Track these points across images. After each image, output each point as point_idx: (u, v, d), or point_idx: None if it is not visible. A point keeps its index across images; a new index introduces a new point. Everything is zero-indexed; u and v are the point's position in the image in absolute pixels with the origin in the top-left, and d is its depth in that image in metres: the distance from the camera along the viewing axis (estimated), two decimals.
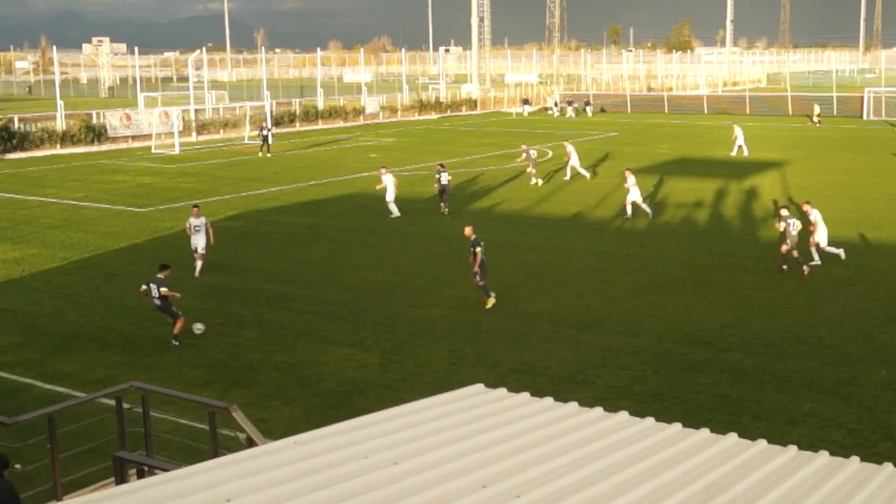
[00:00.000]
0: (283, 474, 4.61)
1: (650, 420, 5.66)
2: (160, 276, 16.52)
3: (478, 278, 18.59)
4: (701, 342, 16.37)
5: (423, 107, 73.35)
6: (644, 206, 28.23)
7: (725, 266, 22.01)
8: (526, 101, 77.15)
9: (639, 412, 6.03)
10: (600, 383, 14.41)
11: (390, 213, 28.43)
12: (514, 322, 17.64)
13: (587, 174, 36.82)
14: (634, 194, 27.83)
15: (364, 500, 4.32)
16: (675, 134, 57.40)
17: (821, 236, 21.49)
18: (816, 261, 21.46)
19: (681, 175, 37.81)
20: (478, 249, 18.49)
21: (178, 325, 16.39)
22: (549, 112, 74.30)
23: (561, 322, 17.63)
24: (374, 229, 26.92)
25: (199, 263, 21.18)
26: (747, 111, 72.09)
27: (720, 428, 5.82)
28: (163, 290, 16.31)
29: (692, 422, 5.99)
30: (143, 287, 16.64)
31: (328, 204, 31.27)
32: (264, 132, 46.05)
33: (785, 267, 21.13)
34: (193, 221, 21.23)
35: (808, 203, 22.34)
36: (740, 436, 5.53)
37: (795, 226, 20.82)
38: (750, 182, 35.76)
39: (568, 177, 36.56)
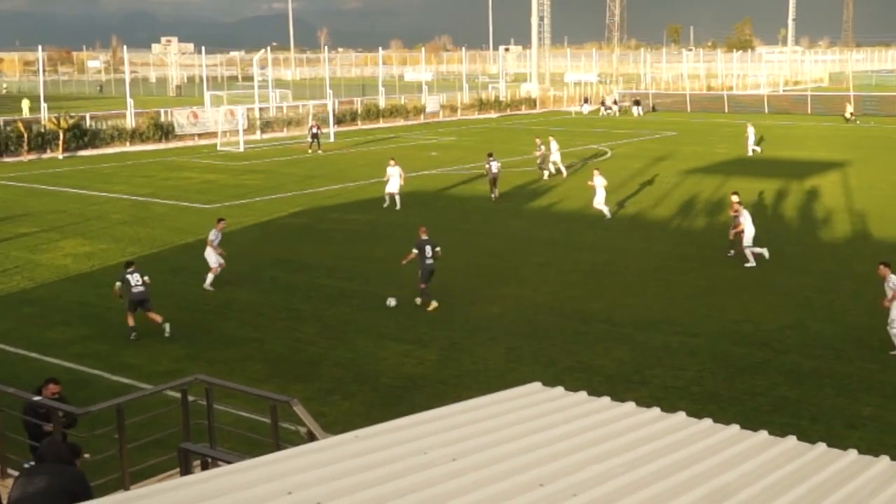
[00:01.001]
0: (344, 468, 4.68)
1: (708, 421, 5.63)
2: (130, 269, 16.87)
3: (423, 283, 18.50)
4: (759, 343, 16.15)
5: (482, 105, 73.35)
6: (604, 208, 27.67)
7: (784, 267, 21.65)
8: (586, 100, 76.66)
9: (696, 413, 6.00)
10: (657, 383, 14.32)
11: (384, 201, 29.64)
12: (570, 321, 17.59)
13: (564, 172, 36.72)
14: (599, 196, 27.47)
15: (423, 496, 4.38)
16: (735, 134, 56.38)
17: (747, 236, 21.61)
18: (751, 262, 21.56)
19: (740, 175, 37.23)
20: (437, 250, 18.59)
21: (157, 316, 16.84)
22: (604, 112, 73.71)
23: (618, 321, 17.53)
24: (433, 227, 26.94)
25: (211, 276, 20.28)
26: (808, 111, 70.60)
27: (778, 430, 5.76)
28: (146, 278, 16.81)
29: (750, 424, 5.93)
30: (118, 284, 16.83)
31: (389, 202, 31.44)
32: (314, 130, 47.39)
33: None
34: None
35: (736, 196, 22.70)
36: (799, 439, 5.47)
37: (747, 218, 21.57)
38: (810, 182, 35.06)
39: (547, 175, 36.34)
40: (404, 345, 16.35)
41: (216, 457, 8.20)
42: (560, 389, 6.17)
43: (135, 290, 16.63)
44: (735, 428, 5.56)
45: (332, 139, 52.06)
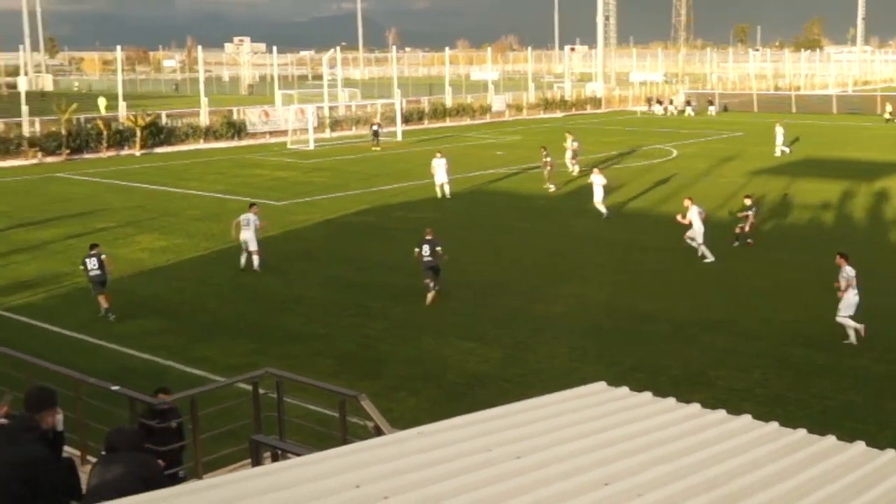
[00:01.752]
0: (410, 463, 4.75)
1: (774, 424, 5.58)
2: (95, 251, 18.24)
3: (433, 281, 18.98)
4: (823, 346, 15.85)
5: (548, 105, 73.09)
6: (602, 207, 27.86)
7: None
8: (659, 101, 75.80)
9: (761, 416, 5.95)
10: (722, 385, 14.16)
11: (440, 195, 31.33)
12: (634, 321, 17.49)
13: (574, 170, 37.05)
14: (598, 195, 27.77)
15: (487, 493, 4.42)
16: (803, 134, 55.18)
17: (696, 232, 22.35)
18: (710, 258, 22.22)
19: (807, 176, 36.51)
20: (438, 250, 19.14)
21: (107, 298, 18.10)
22: (662, 112, 72.81)
23: (682, 322, 17.37)
24: (497, 226, 27.10)
25: (255, 259, 21.42)
26: (878, 111, 68.65)
27: (846, 435, 5.67)
28: (104, 256, 18.25)
29: (816, 427, 5.85)
30: (82, 267, 18.29)
31: (454, 200, 31.61)
32: (374, 128, 48.69)
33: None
34: (246, 216, 21.55)
35: (689, 199, 23.27)
36: (867, 444, 5.39)
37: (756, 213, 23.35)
38: (880, 184, 34.18)
39: (577, 171, 36.70)
40: (469, 343, 16.44)
41: (286, 449, 8.38)
42: (625, 389, 6.18)
43: (90, 273, 17.97)
44: (802, 432, 5.51)
45: (399, 138, 52.44)
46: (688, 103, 73.57)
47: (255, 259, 21.55)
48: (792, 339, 16.37)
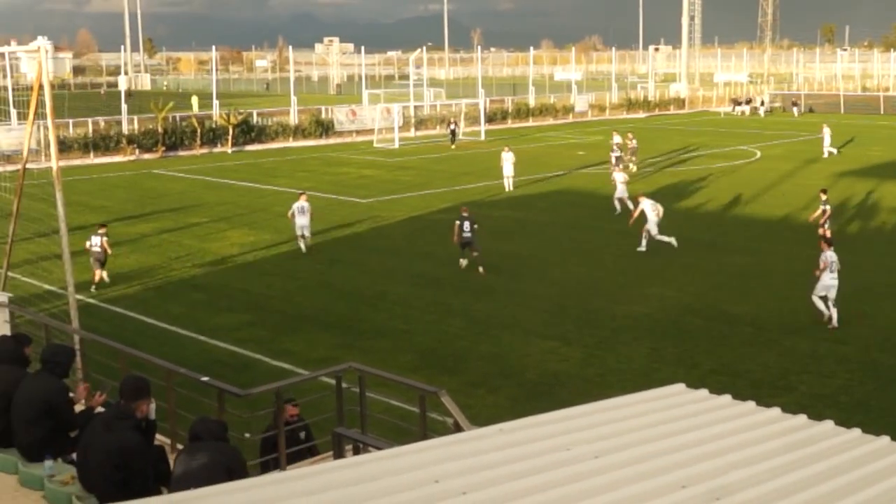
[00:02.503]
0: (489, 460, 4.78)
1: (857, 431, 5.44)
2: (101, 231, 20.31)
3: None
4: None
5: (630, 105, 72.23)
6: (617, 203, 28.30)
7: None
8: (749, 101, 74.09)
9: (843, 422, 5.81)
10: (803, 390, 13.82)
11: (506, 188, 32.69)
12: (715, 323, 17.19)
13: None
14: (621, 191, 28.34)
15: (565, 491, 4.43)
16: (891, 136, 53.20)
17: (651, 225, 23.03)
18: (642, 247, 22.92)
19: (894, 179, 35.11)
20: (475, 227, 21.29)
21: (100, 275, 20.19)
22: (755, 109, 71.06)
23: (764, 325, 16.99)
24: (581, 226, 26.93)
25: (302, 243, 23.60)
26: None
27: None
28: (105, 239, 20.19)
29: None
30: (88, 243, 20.10)
31: (536, 199, 31.54)
32: (452, 127, 49.64)
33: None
34: (301, 204, 23.48)
35: (642, 195, 23.91)
36: None
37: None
38: None
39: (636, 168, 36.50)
40: (549, 341, 16.41)
41: (367, 442, 8.51)
42: (704, 392, 6.11)
43: (93, 249, 19.99)
44: (885, 440, 5.37)
45: (482, 137, 52.52)
46: (761, 103, 71.79)
47: (308, 239, 23.66)
48: (879, 344, 15.87)
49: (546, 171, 38.33)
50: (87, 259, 21.33)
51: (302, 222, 23.29)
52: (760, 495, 4.47)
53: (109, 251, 20.53)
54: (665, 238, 23.02)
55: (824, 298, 17.04)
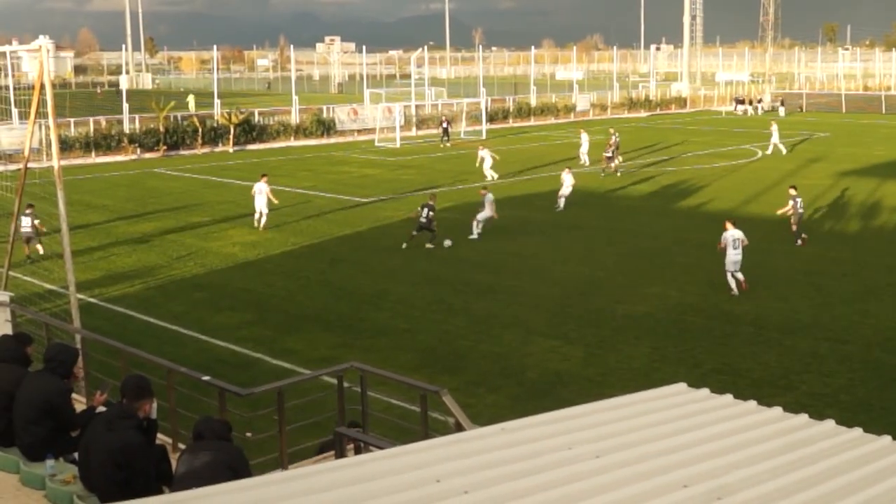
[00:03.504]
0: (490, 459, 4.79)
1: (858, 430, 5.45)
2: (28, 211, 21.20)
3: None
4: None
5: (632, 104, 72.26)
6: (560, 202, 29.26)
7: None
8: (750, 101, 74.11)
9: (845, 421, 5.81)
10: (804, 389, 13.82)
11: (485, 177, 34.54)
12: (716, 322, 17.19)
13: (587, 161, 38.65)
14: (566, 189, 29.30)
15: (567, 491, 4.44)
16: (893, 135, 53.19)
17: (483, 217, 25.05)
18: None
19: None
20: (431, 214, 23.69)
21: (33, 249, 22.07)
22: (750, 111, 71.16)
23: (765, 325, 16.99)
24: (582, 225, 26.93)
25: (264, 220, 26.34)
26: None
27: None
28: (36, 221, 21.74)
29: None
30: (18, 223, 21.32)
31: (538, 198, 31.53)
32: (444, 125, 49.80)
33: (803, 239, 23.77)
34: (258, 186, 26.53)
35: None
36: None
37: (800, 204, 24.17)
38: None
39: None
40: (551, 340, 16.41)
41: (368, 441, 8.51)
42: (705, 391, 6.11)
43: (23, 228, 20.66)
44: (887, 439, 5.37)
45: (484, 136, 52.52)
46: (781, 102, 71.79)
47: (264, 220, 26.42)
48: (881, 344, 15.86)
49: (548, 170, 38.32)
50: (88, 258, 21.36)
51: (257, 203, 26.40)
52: (761, 495, 4.47)
53: (43, 228, 21.71)
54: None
55: (733, 273, 19.16)
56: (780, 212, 24.78)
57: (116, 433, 7.10)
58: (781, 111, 69.73)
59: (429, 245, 23.62)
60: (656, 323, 17.34)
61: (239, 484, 4.76)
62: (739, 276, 19.11)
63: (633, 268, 21.68)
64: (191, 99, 62.75)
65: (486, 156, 36.52)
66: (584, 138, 40.44)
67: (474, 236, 24.94)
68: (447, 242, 23.62)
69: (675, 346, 16.02)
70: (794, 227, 24.15)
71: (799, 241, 23.89)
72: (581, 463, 4.79)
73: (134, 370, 9.79)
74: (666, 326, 17.11)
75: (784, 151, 43.83)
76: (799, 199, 24.41)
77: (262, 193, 26.39)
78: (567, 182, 29.56)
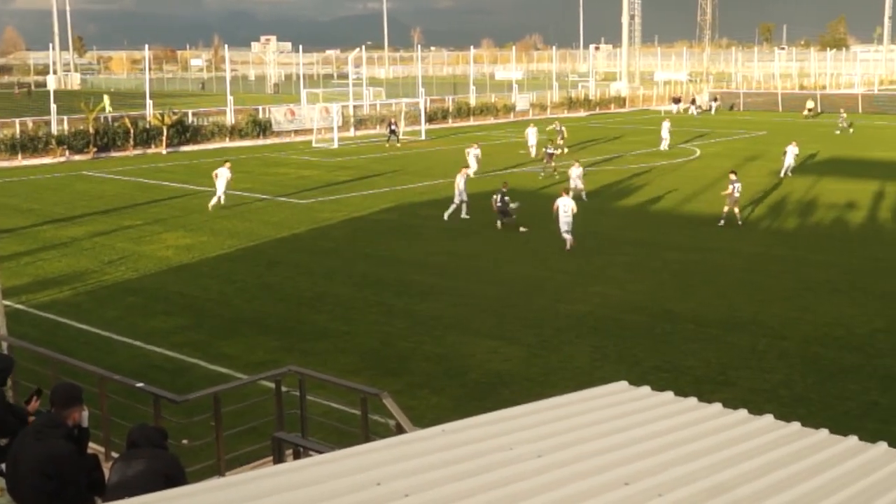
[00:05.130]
0: (432, 461, 4.75)
1: (796, 425, 5.54)
2: None
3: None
4: (850, 347, 15.70)
5: (571, 104, 73.04)
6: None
7: (878, 270, 21.03)
8: (677, 100, 75.54)
9: (784, 416, 5.91)
10: (744, 385, 14.07)
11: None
12: (657, 321, 17.40)
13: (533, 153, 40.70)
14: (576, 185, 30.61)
15: (509, 491, 4.42)
16: (829, 133, 54.74)
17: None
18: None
19: (833, 176, 36.30)
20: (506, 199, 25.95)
21: None
22: (694, 111, 72.79)
23: (705, 322, 17.27)
24: (522, 224, 27.04)
25: (221, 200, 29.47)
26: None
27: (869, 436, 5.62)
28: None
29: (839, 429, 5.80)
30: None
31: (479, 198, 31.51)
32: (392, 127, 49.91)
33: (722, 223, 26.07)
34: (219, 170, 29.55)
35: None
36: (890, 445, 5.34)
37: (738, 188, 26.35)
38: None
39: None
40: (492, 341, 16.43)
41: (308, 446, 8.41)
42: (646, 389, 6.15)
43: None
44: (824, 432, 5.46)
45: (423, 137, 52.54)
46: (714, 99, 73.45)
47: (221, 200, 29.67)
48: (818, 339, 16.22)
49: (488, 169, 38.46)
50: (15, 263, 20.73)
51: (218, 185, 29.38)
52: (702, 490, 4.50)
53: None
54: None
55: (566, 231, 23.28)
56: (723, 192, 26.94)
57: (45, 442, 6.89)
58: (713, 109, 71.38)
59: (500, 224, 26.08)
60: (598, 322, 17.48)
61: (174, 492, 4.65)
62: (569, 237, 23.37)
63: (575, 267, 21.85)
64: (106, 99, 60.10)
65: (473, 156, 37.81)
66: (532, 132, 43.59)
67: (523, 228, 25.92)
68: (522, 229, 25.59)
69: (616, 344, 16.18)
70: (726, 209, 26.26)
71: (721, 222, 26.21)
72: (523, 463, 4.78)
73: (65, 378, 9.51)
74: (607, 325, 17.26)
75: (666, 147, 45.93)
76: (737, 185, 26.28)
77: (222, 177, 29.49)
78: (574, 175, 30.90)
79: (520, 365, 15.25)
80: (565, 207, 23.55)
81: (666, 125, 46.89)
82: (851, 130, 55.43)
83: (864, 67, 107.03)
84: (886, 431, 11.71)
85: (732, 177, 26.65)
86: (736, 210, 26.37)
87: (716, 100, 73.97)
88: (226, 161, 31.35)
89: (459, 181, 28.12)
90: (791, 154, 36.44)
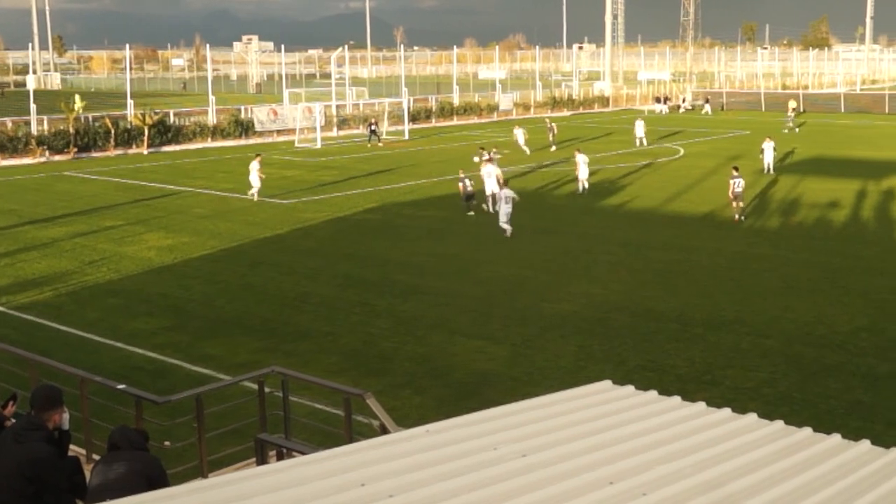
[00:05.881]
0: (416, 462, 4.74)
1: (779, 423, 5.56)
2: None
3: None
4: (833, 346, 15.79)
5: (555, 104, 73.16)
6: (585, 183, 32.17)
7: (860, 268, 21.15)
8: (667, 99, 75.82)
9: (767, 415, 5.93)
10: (728, 384, 14.12)
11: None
12: (641, 320, 17.44)
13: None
14: (583, 172, 32.12)
15: (493, 491, 4.41)
16: (811, 133, 55.14)
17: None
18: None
19: (815, 175, 36.52)
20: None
21: None
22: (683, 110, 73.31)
23: (689, 321, 17.32)
24: (478, 210, 27.15)
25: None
26: (886, 110, 68.68)
27: (852, 434, 5.65)
28: None
29: (822, 427, 5.84)
30: None
31: (456, 198, 31.56)
32: (372, 127, 49.85)
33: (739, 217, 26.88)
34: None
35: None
36: (873, 443, 5.36)
37: (740, 184, 26.98)
38: (887, 183, 34.19)
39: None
40: (476, 341, 16.42)
41: (291, 447, 8.38)
42: (630, 388, 6.16)
43: None
44: (807, 430, 5.48)
45: (406, 136, 52.47)
46: (706, 100, 73.80)
47: (252, 191, 31.34)
48: (801, 338, 16.30)
49: (472, 169, 38.40)
50: None
51: (252, 180, 31.21)
52: (686, 489, 4.51)
53: None
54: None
55: (506, 222, 24.52)
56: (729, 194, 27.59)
57: (25, 445, 6.83)
58: (707, 109, 71.67)
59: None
60: (582, 321, 17.50)
61: (156, 494, 4.61)
62: (508, 227, 24.58)
63: (559, 266, 21.87)
64: (77, 99, 58.27)
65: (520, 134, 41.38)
66: (520, 132, 45.05)
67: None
68: (470, 213, 27.62)
69: (600, 344, 16.20)
70: (734, 204, 27.10)
71: (736, 216, 26.96)
72: (507, 463, 4.77)
73: (45, 380, 9.43)
74: (591, 325, 17.28)
75: (641, 145, 46.80)
76: (737, 180, 26.85)
77: (254, 171, 31.19)
78: (581, 162, 31.99)
79: (504, 364, 15.24)
80: (507, 199, 25.05)
81: (640, 123, 47.68)
82: (797, 130, 55.58)
83: (846, 67, 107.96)
84: (869, 429, 11.82)
85: (734, 172, 27.28)
86: (734, 204, 27.12)
87: (707, 100, 74.12)
88: (256, 154, 33.41)
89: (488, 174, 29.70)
90: (769, 151, 36.96)
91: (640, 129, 47.55)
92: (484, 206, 28.52)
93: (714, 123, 61.44)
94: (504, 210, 24.77)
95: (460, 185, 28.92)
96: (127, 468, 6.68)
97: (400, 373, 14.92)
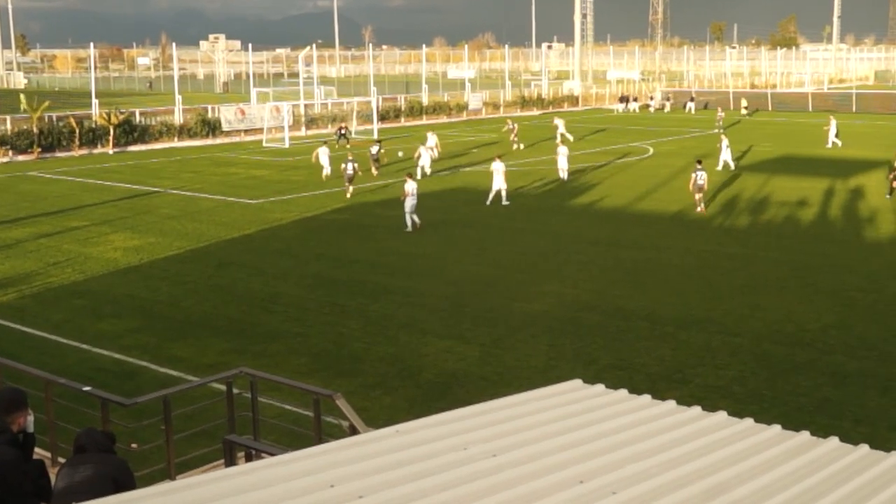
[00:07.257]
0: (385, 462, 4.72)
1: (749, 421, 5.59)
2: None
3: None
4: (802, 343, 15.96)
5: (525, 103, 73.42)
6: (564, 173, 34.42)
7: (828, 267, 21.40)
8: (635, 99, 76.38)
9: (737, 412, 5.97)
10: (698, 382, 14.23)
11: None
12: (612, 319, 17.53)
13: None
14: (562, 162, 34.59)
15: (463, 491, 4.40)
16: (779, 132, 55.81)
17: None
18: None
19: (784, 173, 36.93)
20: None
21: None
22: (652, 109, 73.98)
23: (659, 320, 17.43)
24: (476, 223, 27.12)
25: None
26: (853, 109, 69.65)
27: (821, 431, 5.72)
28: None
29: (792, 424, 5.89)
30: None
31: (431, 198, 31.54)
32: (341, 131, 49.72)
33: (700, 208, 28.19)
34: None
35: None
36: (841, 440, 5.42)
37: (702, 176, 28.15)
38: (855, 181, 34.59)
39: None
40: (447, 341, 16.41)
41: (260, 449, 8.31)
42: (600, 387, 6.18)
43: None
44: (777, 428, 5.53)
45: (375, 136, 52.31)
46: (691, 99, 74.52)
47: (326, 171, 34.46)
48: (770, 336, 16.45)
49: (440, 168, 38.46)
50: None
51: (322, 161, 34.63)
52: (656, 487, 4.52)
53: None
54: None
55: (410, 214, 25.40)
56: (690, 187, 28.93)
57: None
58: (691, 107, 72.29)
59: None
60: (552, 320, 17.54)
61: (123, 497, 4.54)
62: (416, 218, 25.55)
63: (529, 265, 21.92)
64: (22, 98, 56.15)
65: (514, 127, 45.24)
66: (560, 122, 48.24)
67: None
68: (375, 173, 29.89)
69: (571, 343, 16.25)
70: (695, 196, 28.23)
71: (698, 208, 28.19)
72: (477, 462, 4.76)
73: (9, 383, 9.28)
74: (562, 324, 17.33)
75: (568, 139, 47.64)
76: (699, 173, 28.07)
77: (324, 154, 34.88)
78: (562, 153, 34.62)
79: (474, 364, 15.25)
80: (413, 191, 25.91)
81: (559, 122, 48.92)
82: (723, 132, 56.20)
83: (813, 66, 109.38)
84: (838, 427, 11.97)
85: (698, 165, 28.41)
86: (696, 197, 28.19)
87: (668, 99, 75.12)
88: (324, 142, 37.46)
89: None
90: (725, 147, 37.92)
91: (562, 127, 48.43)
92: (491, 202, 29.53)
93: (683, 122, 61.91)
94: (409, 202, 25.71)
95: (344, 165, 31.16)
96: (93, 471, 6.59)
97: (370, 373, 14.87)
